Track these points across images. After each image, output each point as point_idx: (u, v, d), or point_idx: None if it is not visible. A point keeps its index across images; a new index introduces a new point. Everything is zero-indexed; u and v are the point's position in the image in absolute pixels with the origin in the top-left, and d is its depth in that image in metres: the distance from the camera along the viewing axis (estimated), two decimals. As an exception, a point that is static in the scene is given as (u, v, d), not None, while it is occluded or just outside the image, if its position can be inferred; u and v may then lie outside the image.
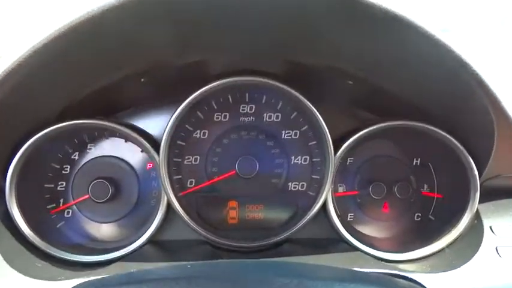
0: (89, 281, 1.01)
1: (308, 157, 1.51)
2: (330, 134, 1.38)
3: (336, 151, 1.41)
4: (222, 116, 1.50)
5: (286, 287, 0.76)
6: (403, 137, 1.49)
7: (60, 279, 1.14)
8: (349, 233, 1.42)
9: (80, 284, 0.96)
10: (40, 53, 0.99)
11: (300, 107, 1.41)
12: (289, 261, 1.26)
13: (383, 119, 1.42)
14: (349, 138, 1.41)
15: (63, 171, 1.50)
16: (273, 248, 1.43)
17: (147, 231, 1.42)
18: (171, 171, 1.43)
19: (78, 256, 1.35)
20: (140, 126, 1.51)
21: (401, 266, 1.31)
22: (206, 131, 1.50)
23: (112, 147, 1.51)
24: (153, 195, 1.52)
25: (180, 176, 1.48)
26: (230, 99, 1.47)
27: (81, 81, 1.24)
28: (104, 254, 1.37)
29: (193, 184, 1.50)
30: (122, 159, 1.52)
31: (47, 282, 1.12)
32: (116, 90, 1.34)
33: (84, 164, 1.50)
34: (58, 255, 1.34)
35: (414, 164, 1.57)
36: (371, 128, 1.41)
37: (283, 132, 1.50)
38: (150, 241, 1.41)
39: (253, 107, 1.50)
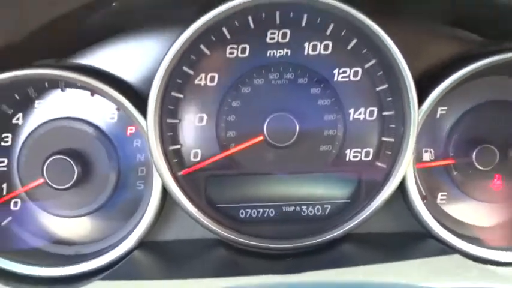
0: None
1: (376, 109, 1.23)
2: (411, 72, 1.13)
3: (420, 99, 1.16)
4: (240, 49, 1.22)
5: None
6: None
7: None
8: (441, 224, 1.21)
9: None
10: None
11: (361, 30, 1.16)
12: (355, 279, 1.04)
13: (501, 45, 1.17)
14: (442, 79, 1.17)
15: (3, 143, 1.26)
16: (324, 250, 1.19)
17: (136, 229, 1.20)
18: (165, 139, 1.18)
19: (36, 268, 1.18)
20: (112, 71, 1.25)
21: None
22: (215, 75, 1.22)
23: (72, 105, 1.25)
24: (140, 175, 1.28)
25: (178, 146, 1.22)
26: (251, 23, 1.20)
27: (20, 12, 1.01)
28: (74, 263, 1.18)
29: (200, 158, 1.24)
30: (89, 122, 1.25)
31: None
32: (73, 21, 1.08)
33: (33, 131, 1.24)
34: (6, 267, 1.17)
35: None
36: (488, 61, 1.14)
37: (337, 72, 1.22)
38: (141, 243, 1.21)
39: (288, 34, 1.22)
